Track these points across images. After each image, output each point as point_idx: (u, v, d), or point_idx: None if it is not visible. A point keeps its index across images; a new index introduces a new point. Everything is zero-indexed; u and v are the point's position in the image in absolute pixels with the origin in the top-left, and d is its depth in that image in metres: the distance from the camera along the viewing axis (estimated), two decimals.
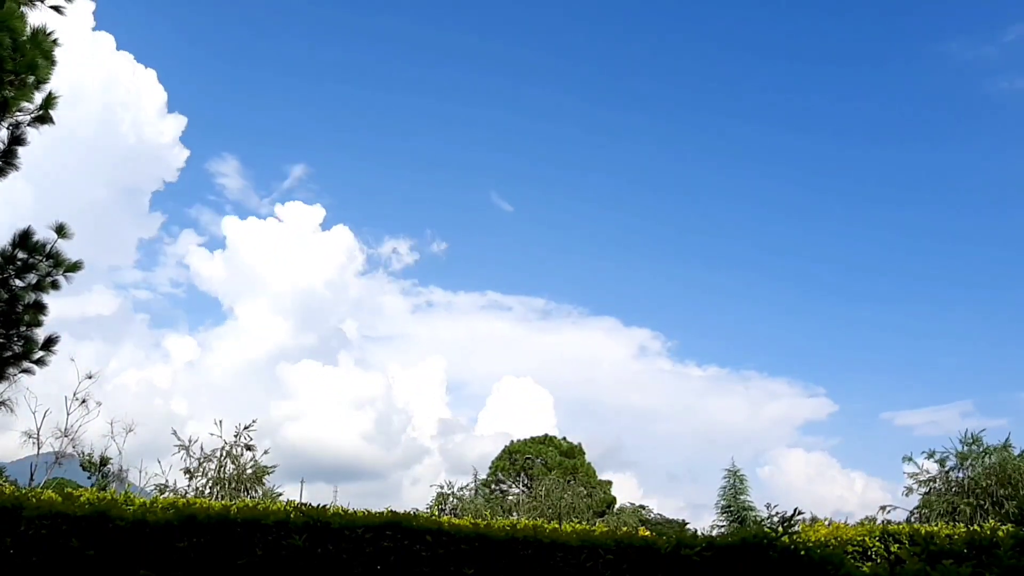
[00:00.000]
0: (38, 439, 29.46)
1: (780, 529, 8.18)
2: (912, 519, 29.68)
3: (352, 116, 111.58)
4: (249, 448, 30.49)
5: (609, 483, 51.11)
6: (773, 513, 9.01)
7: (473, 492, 41.27)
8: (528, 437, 51.70)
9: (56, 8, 9.35)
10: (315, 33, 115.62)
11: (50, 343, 10.11)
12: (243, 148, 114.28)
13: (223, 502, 19.61)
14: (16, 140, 9.43)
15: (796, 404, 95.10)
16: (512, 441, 51.81)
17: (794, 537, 8.17)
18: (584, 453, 51.44)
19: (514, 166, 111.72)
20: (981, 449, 30.57)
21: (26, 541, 7.35)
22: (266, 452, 31.21)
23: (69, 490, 15.90)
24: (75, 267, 10.10)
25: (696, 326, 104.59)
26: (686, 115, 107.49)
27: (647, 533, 10.84)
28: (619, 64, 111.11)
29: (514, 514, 37.47)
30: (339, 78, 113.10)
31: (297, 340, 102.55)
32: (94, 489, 21.57)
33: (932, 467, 31.39)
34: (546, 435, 52.09)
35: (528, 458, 49.21)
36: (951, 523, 21.45)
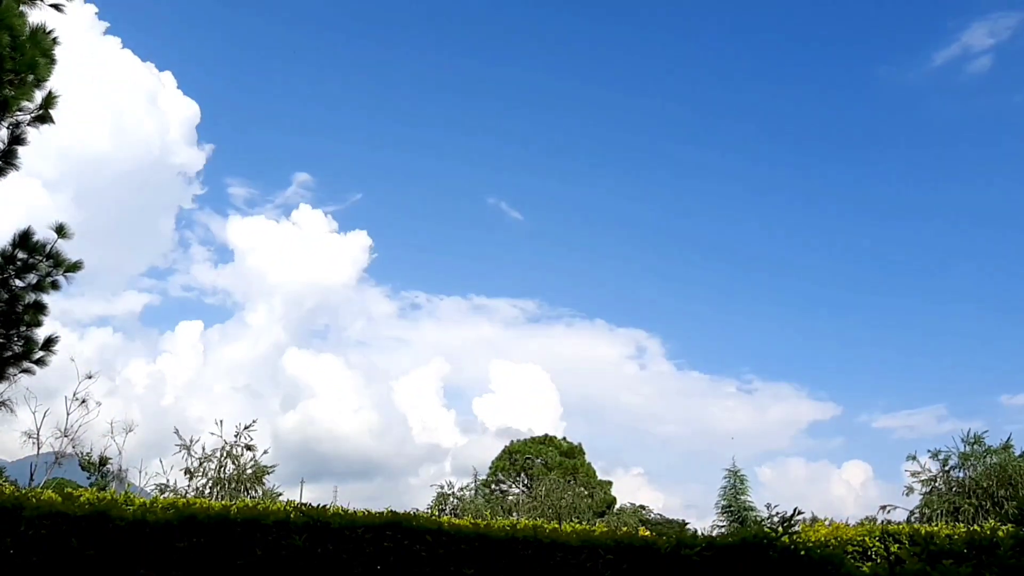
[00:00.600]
0: (38, 439, 29.51)
1: (780, 529, 8.18)
2: (912, 519, 29.70)
3: (350, 122, 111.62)
4: (249, 448, 30.50)
5: (609, 483, 51.13)
6: (773, 513, 9.00)
7: (473, 492, 41.30)
8: (528, 437, 51.72)
9: (56, 6, 9.35)
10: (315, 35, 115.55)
11: (50, 343, 10.11)
12: (249, 154, 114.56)
13: (223, 502, 19.62)
14: (16, 140, 9.43)
15: (797, 406, 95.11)
16: (512, 441, 51.86)
17: (794, 537, 8.17)
18: (584, 453, 51.43)
19: (511, 169, 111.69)
20: (983, 449, 30.62)
21: (26, 541, 7.34)
22: (265, 452, 31.25)
23: (69, 490, 15.90)
24: (75, 267, 10.09)
25: (685, 328, 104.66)
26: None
27: (647, 533, 10.84)
28: (616, 66, 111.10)
29: (514, 514, 37.46)
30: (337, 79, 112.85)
31: (300, 342, 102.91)
32: (94, 489, 21.58)
33: (934, 466, 31.48)
34: (546, 435, 52.08)
35: (528, 458, 49.21)
36: (951, 523, 21.46)
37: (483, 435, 75.68)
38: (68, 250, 10.03)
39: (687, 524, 41.29)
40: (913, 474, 31.62)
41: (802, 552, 7.91)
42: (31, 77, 9.05)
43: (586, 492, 44.11)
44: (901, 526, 15.62)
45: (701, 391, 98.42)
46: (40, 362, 10.10)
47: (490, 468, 50.28)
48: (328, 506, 8.91)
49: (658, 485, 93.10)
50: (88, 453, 30.93)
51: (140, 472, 31.11)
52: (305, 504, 11.14)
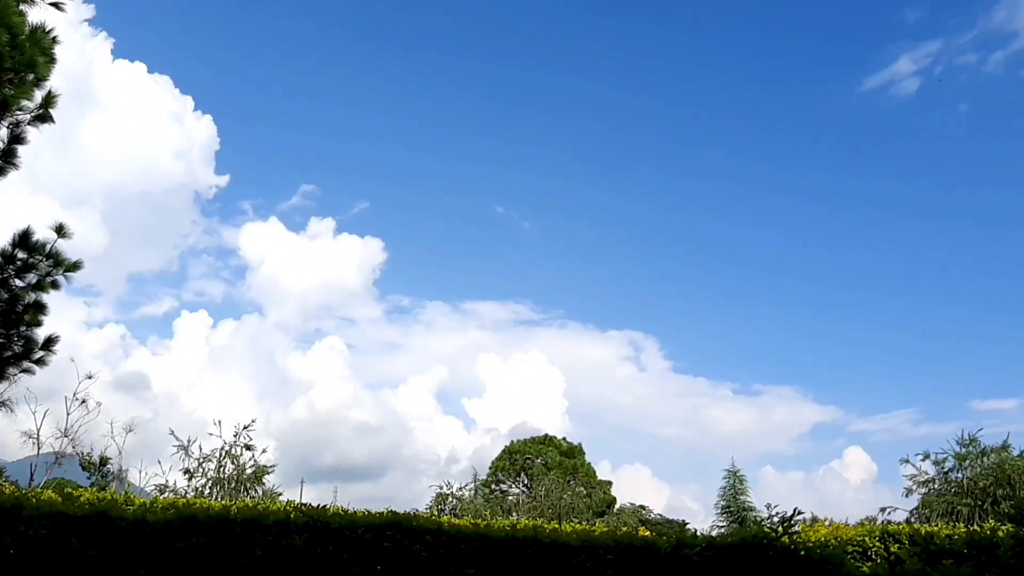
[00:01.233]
0: (38, 439, 29.51)
1: (780, 529, 8.19)
2: (912, 519, 29.72)
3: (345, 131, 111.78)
4: (249, 448, 30.46)
5: (609, 483, 51.12)
6: (773, 513, 9.00)
7: (473, 492, 41.26)
8: (528, 437, 51.73)
9: (56, 5, 9.34)
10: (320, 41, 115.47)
11: (50, 343, 10.10)
12: (255, 164, 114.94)
13: (223, 502, 19.62)
14: (16, 139, 9.42)
15: (796, 408, 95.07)
16: (512, 441, 51.86)
17: (794, 537, 8.17)
18: (584, 453, 51.43)
19: (511, 170, 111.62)
20: (978, 450, 30.66)
21: (26, 541, 7.34)
22: (264, 451, 31.20)
23: (69, 490, 15.90)
24: (75, 267, 10.08)
25: (684, 330, 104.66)
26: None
27: (647, 533, 10.84)
28: (615, 66, 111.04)
29: (514, 514, 37.45)
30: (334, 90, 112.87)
31: (303, 345, 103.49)
32: (94, 489, 21.57)
33: (930, 468, 31.52)
34: (546, 435, 52.07)
35: (528, 458, 49.22)
36: (951, 523, 21.47)
37: (483, 435, 75.78)
38: (68, 250, 10.03)
39: (687, 524, 41.32)
40: (910, 477, 31.72)
41: (802, 552, 7.91)
42: (31, 76, 9.04)
43: (586, 492, 44.10)
44: (901, 526, 15.61)
45: (699, 393, 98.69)
46: (40, 362, 10.08)
47: (490, 468, 50.29)
48: (328, 506, 8.91)
49: (663, 484, 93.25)
50: (88, 453, 30.97)
51: (140, 472, 31.14)
52: (305, 504, 11.14)
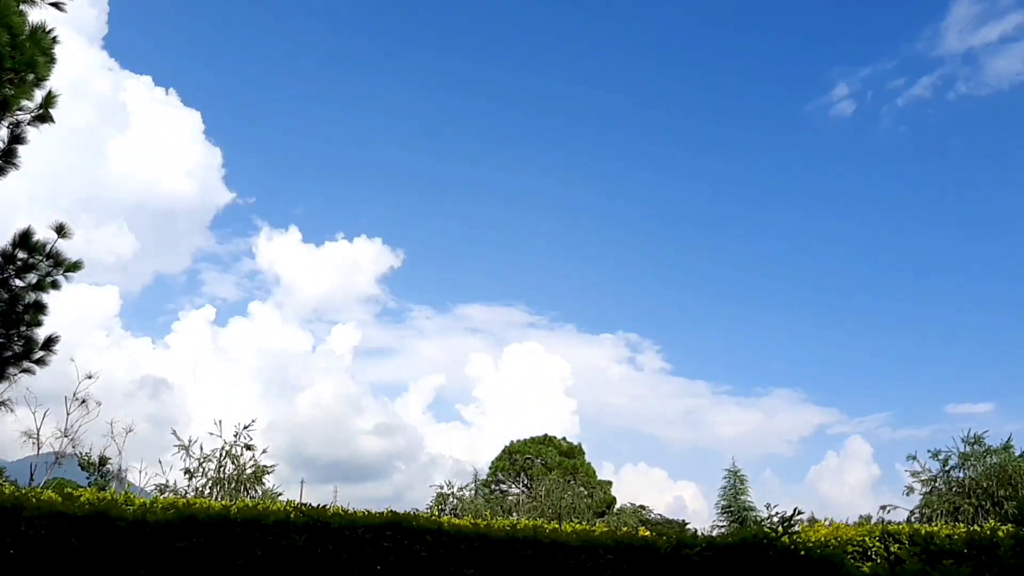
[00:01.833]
0: (38, 439, 29.49)
1: (780, 529, 8.18)
2: (912, 519, 29.71)
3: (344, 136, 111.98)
4: (249, 448, 30.43)
5: (609, 483, 51.11)
6: (773, 513, 8.99)
7: (473, 492, 41.24)
8: (528, 437, 51.70)
9: (56, 5, 9.33)
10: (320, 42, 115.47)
11: (50, 343, 10.09)
12: (259, 178, 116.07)
13: (223, 502, 19.62)
14: (16, 139, 9.41)
15: (795, 410, 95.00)
16: (512, 441, 51.84)
17: (794, 537, 8.17)
18: (584, 453, 51.43)
19: (509, 169, 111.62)
20: (983, 449, 30.64)
21: (26, 541, 7.34)
22: (264, 451, 31.18)
23: (69, 490, 15.88)
24: (75, 267, 10.07)
25: (682, 331, 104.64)
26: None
27: (647, 533, 10.84)
28: (614, 66, 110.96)
29: (514, 514, 37.44)
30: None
31: (306, 346, 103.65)
32: (94, 489, 21.56)
33: (934, 467, 31.50)
34: (546, 435, 52.06)
35: (528, 458, 49.19)
36: (951, 523, 21.46)
37: (484, 435, 75.80)
38: (68, 250, 10.02)
39: (687, 524, 41.29)
40: (913, 474, 31.68)
41: (802, 552, 7.90)
42: (31, 76, 9.03)
43: (586, 492, 44.08)
44: (901, 526, 15.62)
45: (697, 394, 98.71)
46: (40, 362, 10.08)
47: (490, 468, 50.28)
48: (328, 506, 8.91)
49: (665, 484, 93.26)
50: (87, 453, 30.95)
51: (140, 472, 31.11)
52: (305, 504, 11.13)
